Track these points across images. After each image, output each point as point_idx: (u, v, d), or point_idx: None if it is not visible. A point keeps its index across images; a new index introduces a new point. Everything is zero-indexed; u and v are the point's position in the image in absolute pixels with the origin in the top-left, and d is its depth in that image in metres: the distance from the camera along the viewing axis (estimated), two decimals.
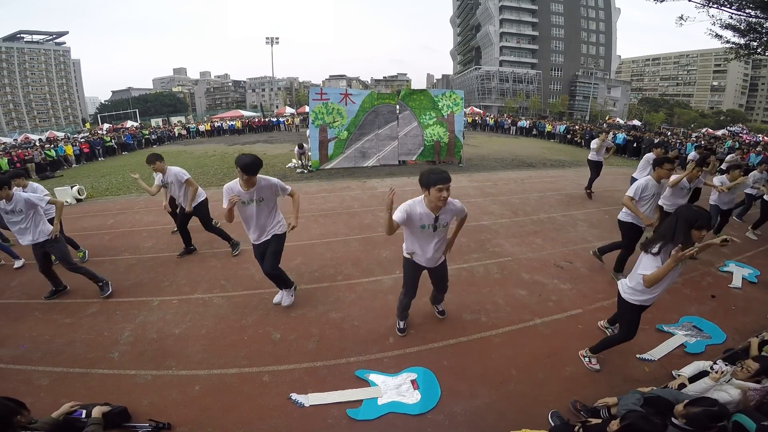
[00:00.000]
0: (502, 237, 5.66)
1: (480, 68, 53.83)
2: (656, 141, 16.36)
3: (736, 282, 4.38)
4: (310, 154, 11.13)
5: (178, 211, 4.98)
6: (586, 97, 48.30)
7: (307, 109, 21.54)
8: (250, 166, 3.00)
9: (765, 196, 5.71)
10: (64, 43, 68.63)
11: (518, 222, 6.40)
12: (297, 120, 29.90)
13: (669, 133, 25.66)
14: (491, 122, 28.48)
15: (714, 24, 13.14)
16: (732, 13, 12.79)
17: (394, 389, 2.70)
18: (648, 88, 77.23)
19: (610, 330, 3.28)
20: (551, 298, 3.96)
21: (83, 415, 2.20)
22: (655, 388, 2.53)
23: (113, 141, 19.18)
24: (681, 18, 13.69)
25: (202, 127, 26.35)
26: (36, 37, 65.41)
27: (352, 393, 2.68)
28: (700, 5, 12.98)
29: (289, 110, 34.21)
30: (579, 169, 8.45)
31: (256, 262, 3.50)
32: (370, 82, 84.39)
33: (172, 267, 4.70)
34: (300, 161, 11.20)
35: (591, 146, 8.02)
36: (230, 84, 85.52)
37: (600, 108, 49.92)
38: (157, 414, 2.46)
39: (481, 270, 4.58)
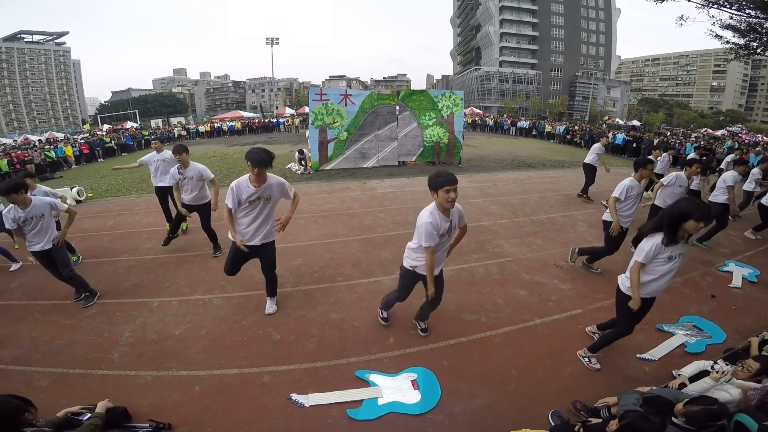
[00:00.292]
0: (501, 237, 5.66)
1: (480, 69, 53.84)
2: (656, 142, 16.36)
3: (736, 282, 4.39)
4: (310, 156, 11.13)
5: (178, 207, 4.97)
6: (586, 98, 48.32)
7: (306, 109, 21.56)
8: (264, 161, 2.93)
9: (763, 200, 5.63)
10: (65, 43, 68.69)
11: (518, 222, 6.41)
12: (297, 121, 29.93)
13: (668, 134, 25.65)
14: (491, 123, 28.48)
15: (714, 24, 13.19)
16: (732, 14, 12.82)
17: (395, 389, 2.70)
18: (648, 88, 77.29)
19: (597, 335, 3.20)
20: (551, 298, 3.97)
21: (87, 416, 2.20)
22: (654, 387, 2.53)
23: (113, 142, 19.20)
24: (681, 18, 13.73)
25: (201, 128, 26.36)
26: (36, 38, 65.43)
27: (352, 393, 2.68)
28: (700, 5, 13.01)
29: (288, 111, 34.23)
30: (579, 170, 8.47)
31: (256, 263, 3.47)
32: (370, 82, 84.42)
33: (172, 268, 4.70)
34: (300, 166, 11.21)
35: (594, 150, 7.90)
36: (230, 84, 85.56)
37: (600, 108, 49.94)
38: (158, 414, 2.46)
39: (481, 270, 4.58)
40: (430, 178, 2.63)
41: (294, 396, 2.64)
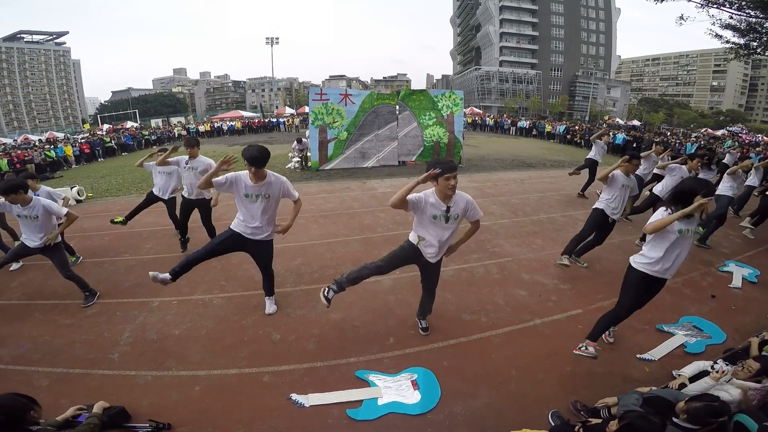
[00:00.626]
0: (502, 237, 5.66)
1: (480, 68, 53.82)
2: (656, 140, 16.36)
3: (736, 282, 4.39)
4: (309, 150, 11.12)
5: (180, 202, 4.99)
6: (586, 98, 48.30)
7: (306, 109, 21.55)
8: (256, 159, 2.91)
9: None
10: (64, 43, 68.63)
11: (518, 222, 6.41)
12: (297, 120, 29.93)
13: (669, 134, 25.67)
14: (491, 122, 28.49)
15: (714, 24, 13.15)
16: (732, 13, 12.80)
17: (395, 389, 2.70)
18: (648, 88, 77.23)
19: (582, 348, 3.00)
20: (551, 298, 3.97)
21: (85, 418, 2.20)
22: (654, 388, 2.53)
23: (113, 142, 19.20)
24: (681, 18, 13.70)
25: (201, 128, 26.34)
26: (36, 37, 65.38)
27: (352, 393, 2.68)
28: (699, 5, 12.99)
29: (288, 111, 34.22)
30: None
31: (256, 264, 3.48)
32: (370, 82, 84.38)
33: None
34: (299, 157, 11.17)
35: (596, 146, 7.90)
36: (230, 84, 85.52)
37: (600, 108, 49.92)
38: (157, 414, 2.45)
39: (481, 270, 4.58)
40: (429, 165, 2.64)
41: (294, 396, 2.64)
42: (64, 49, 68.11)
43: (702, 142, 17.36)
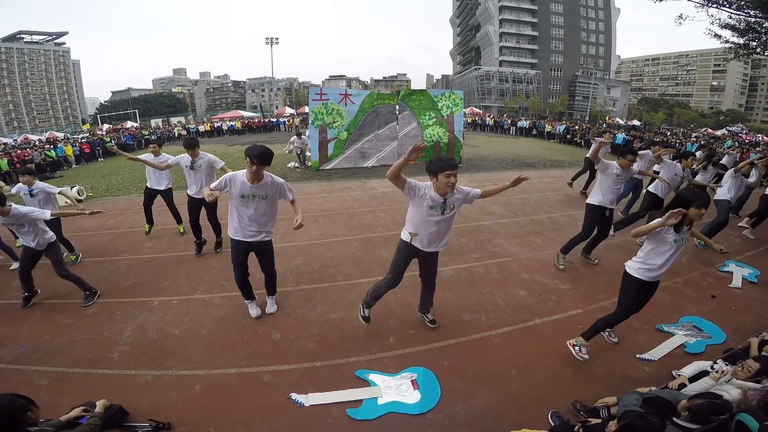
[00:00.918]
0: (502, 237, 5.67)
1: (480, 68, 53.82)
2: (656, 140, 16.35)
3: (736, 282, 4.38)
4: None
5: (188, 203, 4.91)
6: (586, 98, 48.26)
7: (306, 109, 21.54)
8: (264, 156, 2.86)
9: (767, 191, 5.73)
10: (64, 43, 68.69)
11: (518, 222, 6.41)
12: (297, 120, 29.92)
13: (668, 133, 25.67)
14: (491, 122, 28.49)
15: (713, 23, 13.17)
16: (731, 13, 12.81)
17: (394, 389, 2.70)
18: (648, 88, 77.24)
19: (577, 347, 3.01)
20: (551, 298, 3.97)
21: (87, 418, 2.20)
22: (654, 388, 2.53)
23: (113, 141, 19.19)
24: (680, 17, 13.72)
25: (201, 128, 26.33)
26: (36, 38, 65.41)
27: (352, 393, 2.68)
28: (699, 5, 13.00)
29: (288, 111, 34.22)
30: (578, 170, 8.51)
31: (256, 263, 3.46)
32: (369, 82, 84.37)
33: (172, 267, 4.70)
34: (298, 151, 11.18)
35: (595, 144, 7.90)
36: (230, 84, 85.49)
37: (600, 108, 49.91)
38: (157, 414, 2.45)
39: (481, 270, 4.58)
40: (429, 162, 2.65)
41: (294, 395, 2.64)
42: (64, 49, 68.13)
43: (702, 142, 17.35)
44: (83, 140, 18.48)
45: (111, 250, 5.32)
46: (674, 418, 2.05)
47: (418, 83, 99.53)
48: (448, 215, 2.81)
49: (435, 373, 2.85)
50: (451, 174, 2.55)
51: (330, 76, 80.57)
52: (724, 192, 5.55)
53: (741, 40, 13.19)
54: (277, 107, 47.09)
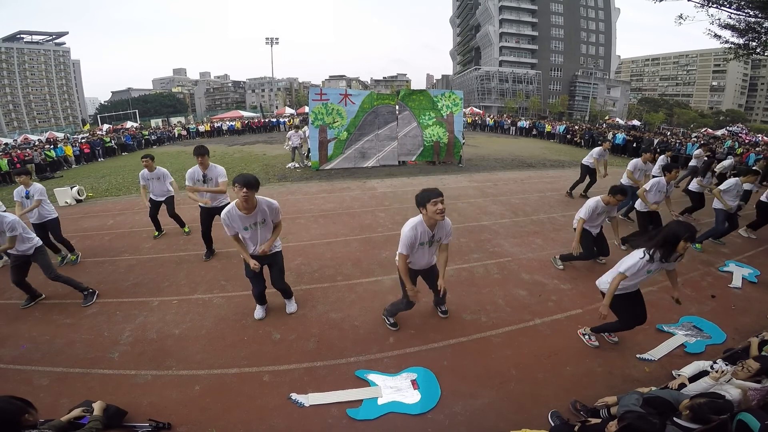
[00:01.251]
0: (502, 237, 5.66)
1: (480, 68, 53.82)
2: (656, 142, 16.35)
3: (736, 282, 4.38)
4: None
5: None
6: (586, 98, 48.28)
7: (306, 109, 21.55)
8: (251, 182, 2.81)
9: (762, 197, 5.66)
10: (64, 43, 68.64)
11: (518, 222, 6.41)
12: (297, 120, 29.90)
13: (669, 134, 25.66)
14: (491, 122, 28.48)
15: (713, 24, 13.19)
16: (731, 13, 12.82)
17: (394, 389, 2.70)
18: (647, 88, 77.28)
19: (586, 336, 3.28)
20: (551, 298, 3.97)
21: (88, 420, 2.20)
22: (654, 388, 2.53)
23: (113, 142, 19.19)
24: (680, 17, 13.73)
25: (201, 128, 26.35)
26: (36, 38, 65.39)
27: (352, 393, 2.68)
28: (699, 5, 13.02)
29: (288, 111, 34.22)
30: (578, 170, 8.50)
31: (271, 276, 3.46)
32: (369, 82, 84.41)
33: (172, 267, 4.70)
34: (296, 145, 11.22)
35: (592, 153, 7.81)
36: (230, 84, 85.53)
37: (600, 108, 49.93)
38: (157, 414, 2.46)
39: (481, 270, 4.58)
40: (416, 196, 2.79)
41: (294, 395, 2.64)
42: (64, 49, 68.09)
43: (702, 142, 17.35)
44: (83, 140, 18.48)
45: (111, 251, 5.32)
46: (675, 418, 2.05)
47: (418, 83, 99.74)
48: (434, 246, 3.02)
49: (435, 373, 2.85)
50: (437, 201, 2.66)
51: (330, 76, 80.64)
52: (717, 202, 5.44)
53: (741, 41, 13.20)
54: (277, 107, 47.11)
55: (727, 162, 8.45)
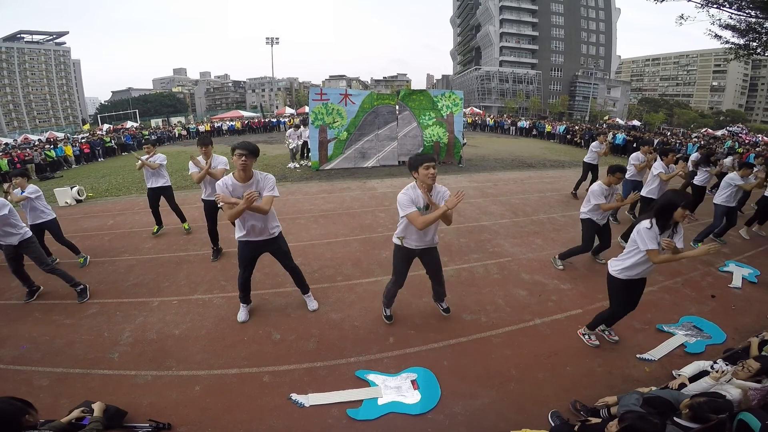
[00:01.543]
0: (502, 237, 5.66)
1: (480, 68, 53.84)
2: (656, 142, 16.34)
3: (736, 282, 4.38)
4: (309, 151, 11.14)
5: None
6: (586, 98, 48.29)
7: (306, 109, 21.55)
8: (251, 148, 2.89)
9: (766, 192, 5.70)
10: (64, 43, 68.67)
11: (518, 222, 6.41)
12: (297, 120, 29.90)
13: (669, 134, 25.67)
14: (491, 123, 28.48)
15: (713, 24, 13.20)
16: (731, 13, 12.83)
17: (394, 389, 2.70)
18: (648, 88, 77.26)
19: (586, 335, 3.27)
20: (551, 298, 3.97)
21: (89, 422, 2.20)
22: (654, 388, 2.53)
23: (113, 141, 19.20)
24: (681, 17, 13.74)
25: (201, 128, 26.32)
26: (36, 37, 65.42)
27: (352, 393, 2.68)
28: (699, 5, 13.03)
29: (289, 111, 34.22)
30: (579, 170, 8.50)
31: (260, 265, 3.44)
32: (370, 82, 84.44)
33: (172, 268, 4.70)
34: (297, 143, 11.22)
35: (591, 148, 7.91)
36: (230, 84, 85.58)
37: (600, 108, 49.93)
38: (157, 414, 2.46)
39: (481, 270, 4.58)
40: (409, 159, 2.85)
41: (294, 396, 2.64)
42: (64, 49, 68.12)
43: (701, 142, 17.35)
44: (83, 140, 18.49)
45: (111, 251, 5.32)
46: (674, 418, 2.05)
47: (418, 83, 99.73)
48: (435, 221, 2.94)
49: (435, 373, 2.85)
50: (430, 166, 2.71)
51: (330, 76, 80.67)
52: (722, 197, 5.44)
53: (741, 41, 13.21)
54: (277, 107, 47.13)
55: (728, 160, 8.52)
